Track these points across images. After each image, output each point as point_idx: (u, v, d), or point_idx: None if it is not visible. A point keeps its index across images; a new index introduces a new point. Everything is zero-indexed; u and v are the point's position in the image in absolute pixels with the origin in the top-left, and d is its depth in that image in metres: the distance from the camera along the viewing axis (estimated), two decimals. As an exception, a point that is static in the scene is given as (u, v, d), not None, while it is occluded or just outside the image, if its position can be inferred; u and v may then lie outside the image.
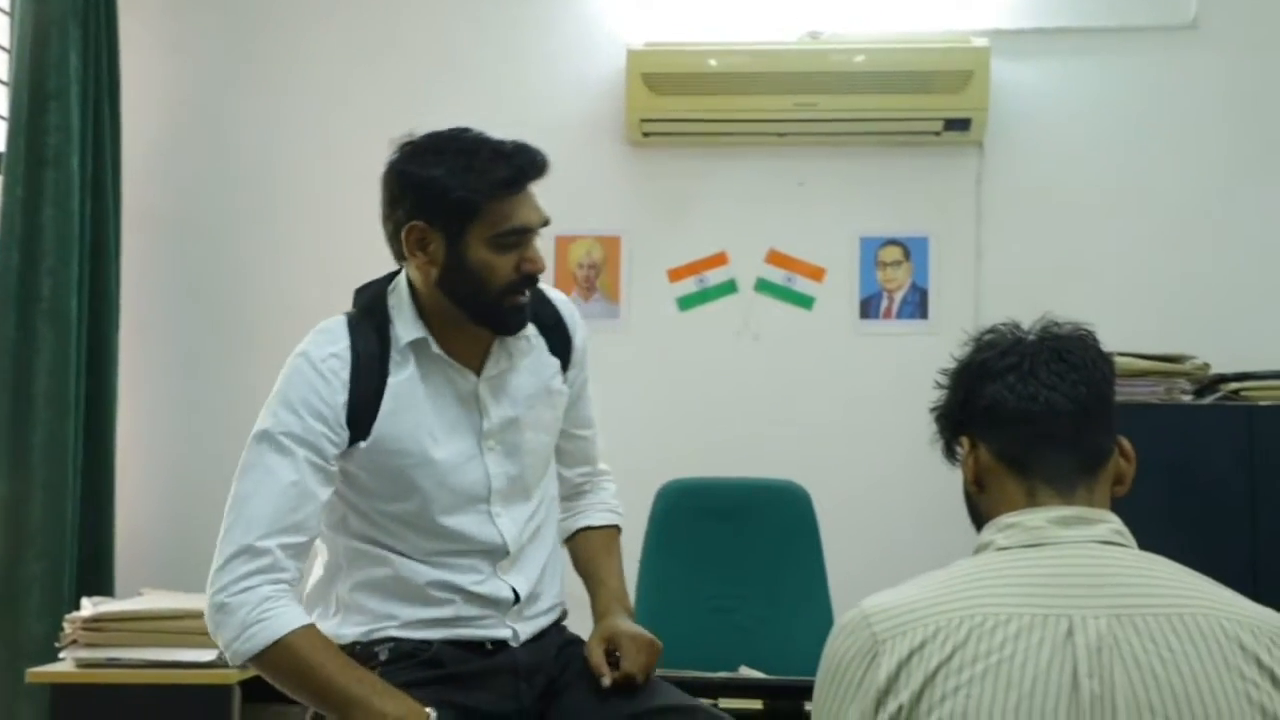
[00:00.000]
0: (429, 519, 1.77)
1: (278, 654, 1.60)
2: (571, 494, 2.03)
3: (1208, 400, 3.19)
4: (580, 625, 1.96)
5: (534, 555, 1.87)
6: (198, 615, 2.55)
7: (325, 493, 1.70)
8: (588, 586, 1.94)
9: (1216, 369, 3.24)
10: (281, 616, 1.61)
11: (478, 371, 1.80)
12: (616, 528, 2.02)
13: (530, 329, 1.84)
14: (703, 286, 3.65)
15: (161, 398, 3.69)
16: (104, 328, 3.45)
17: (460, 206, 1.68)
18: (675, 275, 3.65)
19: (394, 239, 1.77)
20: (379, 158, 3.67)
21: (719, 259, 3.65)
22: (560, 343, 1.90)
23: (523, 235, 1.72)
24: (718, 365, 3.61)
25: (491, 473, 1.80)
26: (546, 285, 1.93)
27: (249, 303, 3.70)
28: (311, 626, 1.65)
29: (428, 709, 1.59)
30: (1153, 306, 3.49)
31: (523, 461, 1.84)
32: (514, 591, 1.81)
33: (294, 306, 3.64)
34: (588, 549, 1.97)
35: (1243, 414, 3.09)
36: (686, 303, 3.65)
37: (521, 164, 1.71)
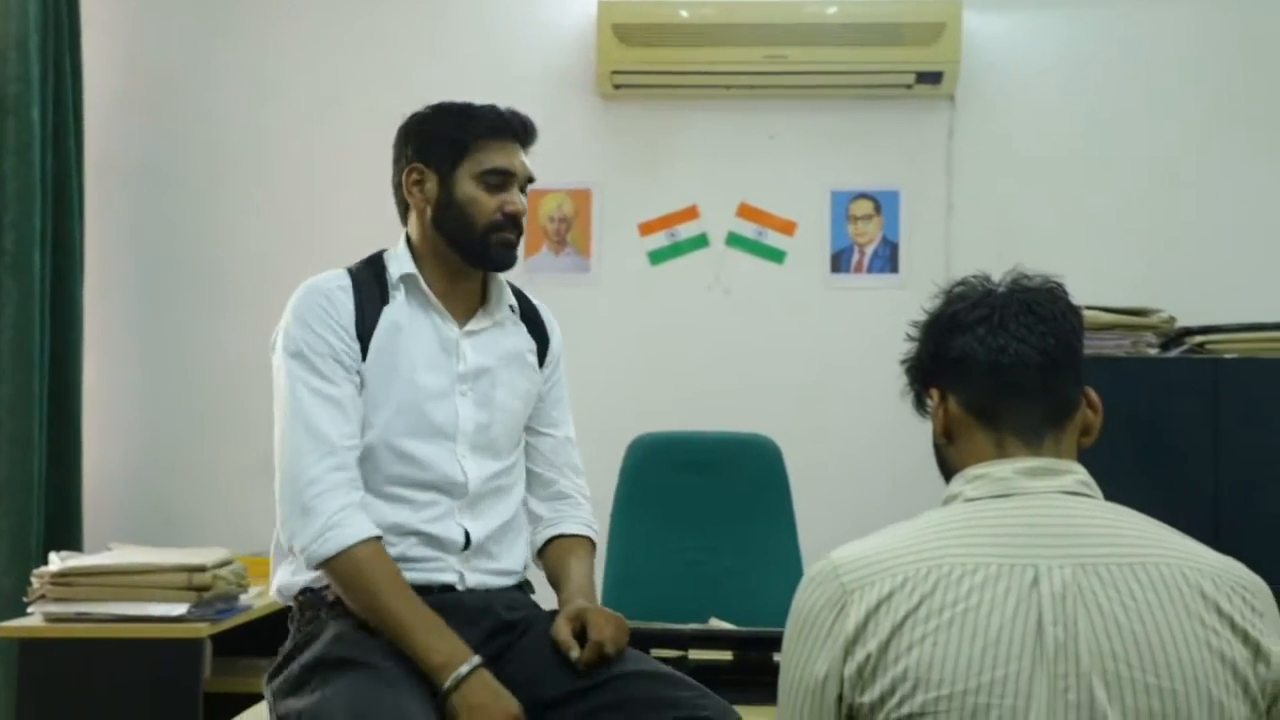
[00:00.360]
0: (398, 440, 1.83)
1: (344, 562, 1.71)
2: (546, 498, 2.04)
3: (1174, 353, 3.22)
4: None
5: (494, 509, 1.91)
6: (167, 569, 2.58)
7: (360, 403, 1.82)
8: (555, 585, 1.95)
9: (1183, 322, 3.27)
10: (354, 524, 1.72)
11: (461, 324, 1.92)
12: (590, 540, 2.03)
13: (512, 305, 1.98)
14: (674, 240, 3.64)
15: (127, 351, 3.65)
16: (68, 281, 3.41)
17: (451, 145, 1.89)
18: (646, 229, 3.64)
19: (398, 189, 1.95)
20: (346, 107, 3.66)
21: (690, 213, 3.64)
22: (537, 335, 2.03)
23: (505, 177, 1.89)
24: (689, 319, 3.61)
25: (461, 414, 1.88)
26: (530, 294, 2.08)
27: (215, 255, 3.66)
28: (379, 542, 1.74)
29: (475, 656, 1.66)
30: (1121, 260, 3.51)
31: (493, 414, 1.91)
32: (465, 535, 1.85)
33: (260, 258, 3.61)
34: (558, 552, 1.99)
35: (1208, 366, 3.13)
36: (658, 256, 3.64)
37: (510, 119, 1.91)
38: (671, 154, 3.63)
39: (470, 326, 1.92)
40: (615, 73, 3.49)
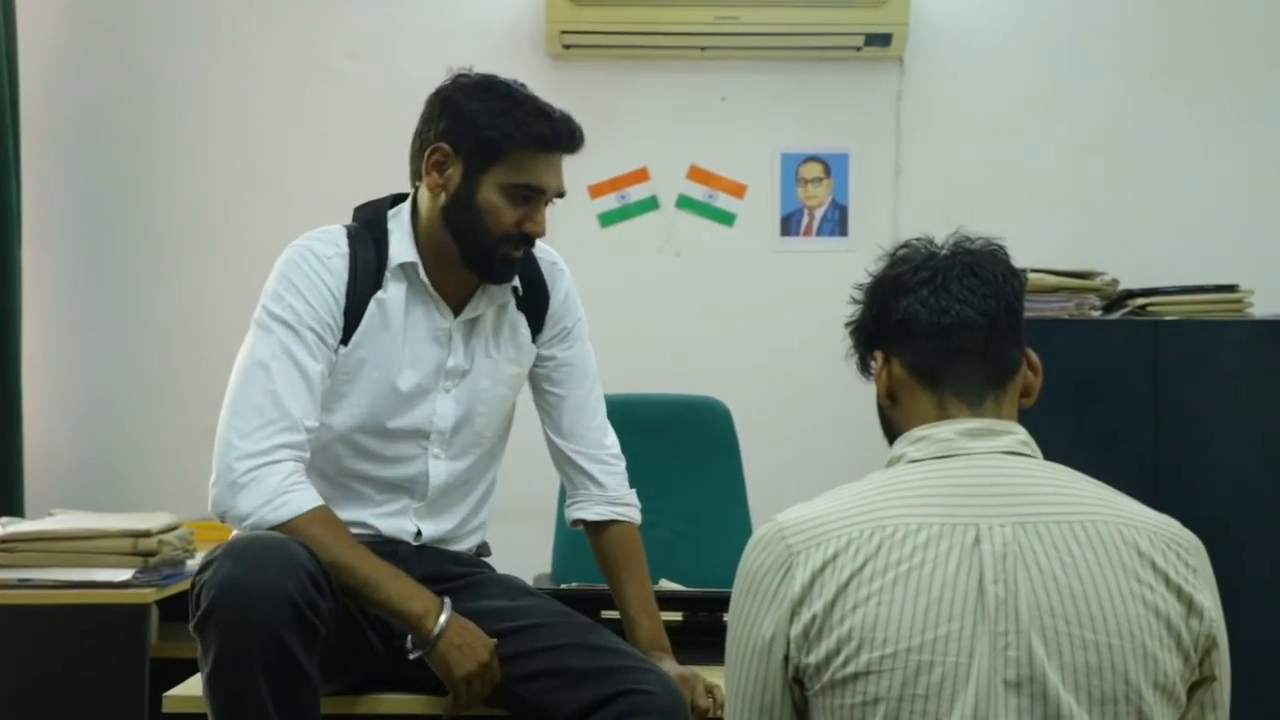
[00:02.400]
0: (369, 437, 1.78)
1: (298, 528, 1.60)
2: (567, 468, 1.96)
3: (1116, 315, 3.28)
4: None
5: (456, 506, 1.88)
6: (112, 535, 2.55)
7: (328, 382, 1.73)
8: (618, 607, 1.89)
9: (1125, 285, 3.32)
10: (307, 492, 1.64)
11: (456, 312, 1.81)
12: (625, 524, 1.93)
13: (516, 286, 1.85)
14: (624, 203, 3.62)
15: (68, 313, 3.58)
16: (6, 242, 3.33)
17: (488, 144, 1.72)
18: (596, 191, 3.62)
19: (416, 157, 1.79)
20: (290, 64, 3.59)
21: (640, 175, 3.62)
22: (534, 300, 1.90)
23: (536, 194, 1.74)
24: (639, 282, 3.60)
25: (438, 412, 1.81)
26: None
27: (157, 214, 3.59)
28: (329, 509, 1.67)
29: (444, 600, 1.64)
30: (1067, 223, 3.55)
31: (475, 409, 1.84)
32: (418, 532, 1.83)
33: (204, 215, 3.55)
34: (603, 558, 1.91)
35: (1148, 328, 3.18)
36: (608, 219, 3.63)
37: (560, 130, 1.75)
38: (621, 115, 3.61)
39: (467, 313, 1.81)
40: (565, 32, 3.45)
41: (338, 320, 1.73)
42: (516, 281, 1.84)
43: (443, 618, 1.61)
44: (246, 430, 1.64)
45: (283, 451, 1.64)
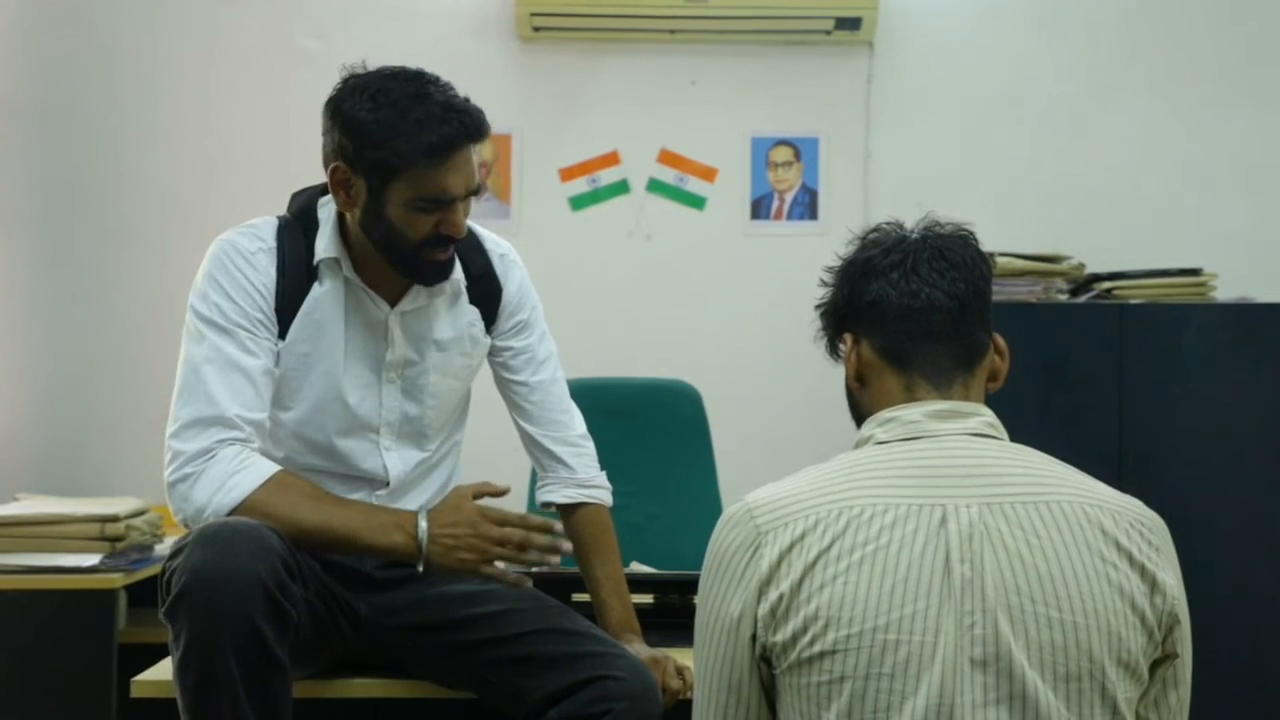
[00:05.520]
0: (318, 432, 1.77)
1: (256, 502, 1.59)
2: (537, 453, 1.96)
3: (1082, 299, 3.31)
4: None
5: (417, 492, 1.87)
6: (78, 520, 2.54)
7: (274, 372, 1.72)
8: (589, 590, 1.90)
9: (1091, 269, 3.35)
10: (258, 465, 1.63)
11: (394, 303, 1.79)
12: (595, 506, 1.93)
13: (456, 273, 1.82)
14: (595, 186, 3.62)
15: (31, 293, 3.54)
16: (-33, 225, 3.30)
17: (381, 165, 1.65)
18: (567, 175, 3.62)
19: (324, 168, 1.74)
20: (258, 40, 3.54)
21: (611, 158, 3.62)
22: (485, 292, 1.88)
23: (444, 204, 1.68)
24: (610, 265, 3.60)
25: (385, 404, 1.80)
26: (487, 231, 1.92)
27: (121, 191, 3.54)
28: (284, 472, 1.65)
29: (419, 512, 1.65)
30: (1034, 207, 3.57)
31: (424, 403, 1.83)
32: None
33: (168, 194, 3.52)
34: (573, 541, 1.87)
35: (1114, 312, 3.21)
36: (579, 203, 3.62)
37: (451, 132, 1.64)
38: (592, 99, 3.60)
39: (404, 304, 1.79)
40: (534, 15, 3.44)
41: (269, 315, 1.71)
42: (462, 274, 1.82)
43: (421, 528, 1.61)
44: (188, 436, 1.64)
45: (226, 445, 1.63)
